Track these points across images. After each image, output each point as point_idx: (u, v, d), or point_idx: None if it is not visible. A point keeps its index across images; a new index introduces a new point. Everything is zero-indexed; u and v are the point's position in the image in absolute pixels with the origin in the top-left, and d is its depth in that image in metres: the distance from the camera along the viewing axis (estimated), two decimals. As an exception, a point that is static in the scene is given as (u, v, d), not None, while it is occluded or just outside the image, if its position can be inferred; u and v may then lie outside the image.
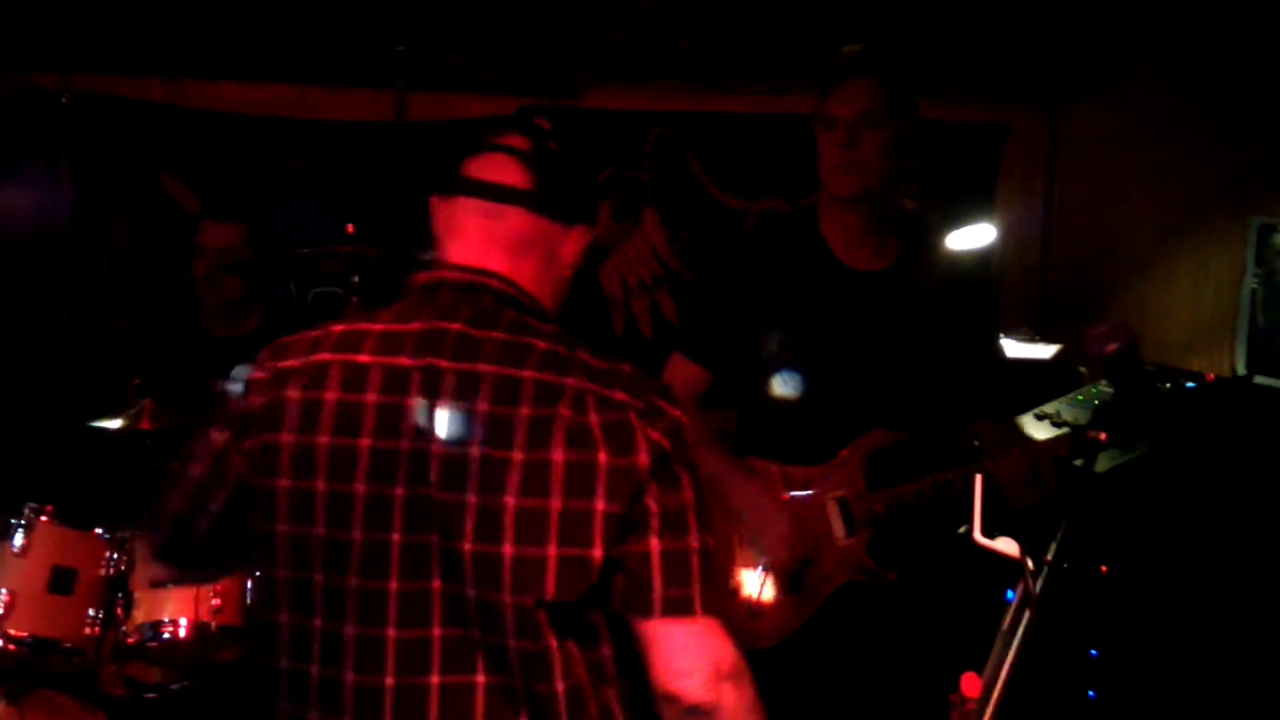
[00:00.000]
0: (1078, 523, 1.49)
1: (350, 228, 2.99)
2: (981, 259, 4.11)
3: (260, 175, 4.35)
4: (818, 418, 2.43)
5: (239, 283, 3.42)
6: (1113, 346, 1.61)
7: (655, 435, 1.45)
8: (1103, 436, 1.60)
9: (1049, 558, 1.50)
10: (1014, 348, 4.37)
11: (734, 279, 2.51)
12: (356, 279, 2.96)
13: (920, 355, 2.44)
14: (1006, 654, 1.38)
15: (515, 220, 1.61)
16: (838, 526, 2.40)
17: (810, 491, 2.43)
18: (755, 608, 2.44)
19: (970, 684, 1.35)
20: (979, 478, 1.59)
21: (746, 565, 2.46)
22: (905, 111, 2.39)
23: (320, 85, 4.36)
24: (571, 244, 1.65)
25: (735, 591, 2.45)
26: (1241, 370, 3.88)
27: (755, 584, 2.43)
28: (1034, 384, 4.08)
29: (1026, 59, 4.39)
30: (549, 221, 1.62)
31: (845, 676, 2.47)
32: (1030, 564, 1.41)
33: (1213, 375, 3.76)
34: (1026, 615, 1.42)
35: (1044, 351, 4.30)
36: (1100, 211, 4.58)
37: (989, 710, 1.33)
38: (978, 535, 1.40)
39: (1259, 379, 3.77)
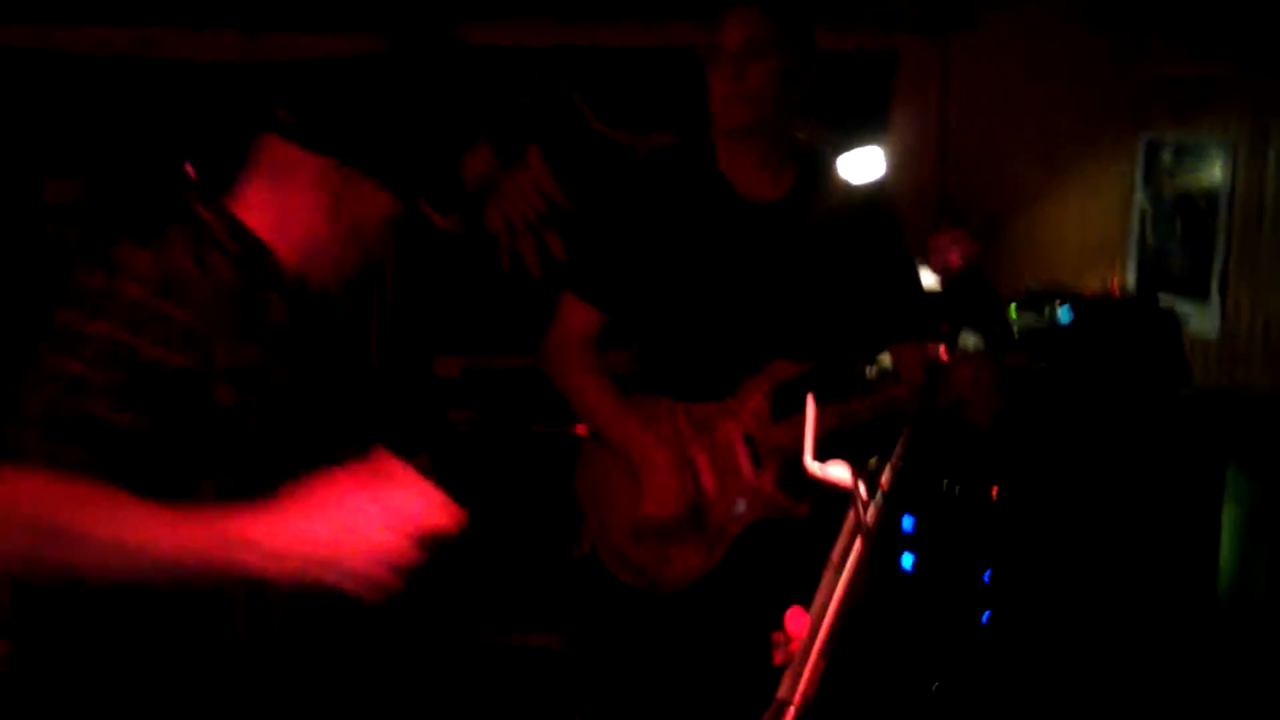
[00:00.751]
0: (917, 447, 1.39)
1: (189, 169, 2.82)
2: (880, 185, 4.02)
3: (105, 124, 4.12)
4: (720, 353, 2.36)
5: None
6: (954, 258, 1.50)
7: None
8: (943, 355, 1.50)
9: (884, 483, 1.39)
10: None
11: (626, 212, 2.42)
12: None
13: (823, 284, 2.37)
14: (834, 589, 1.27)
15: (272, 149, 1.64)
16: (745, 463, 2.32)
17: (715, 429, 2.34)
18: (662, 551, 2.35)
19: (795, 620, 1.24)
20: (810, 402, 1.47)
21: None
22: (795, 41, 2.33)
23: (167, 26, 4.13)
24: (324, 181, 1.62)
25: (641, 535, 2.35)
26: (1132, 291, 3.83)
27: (660, 528, 2.33)
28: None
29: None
30: (307, 154, 1.62)
31: (753, 617, 2.39)
32: (863, 492, 1.29)
33: (1114, 287, 3.72)
34: (857, 545, 1.31)
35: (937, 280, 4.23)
36: (994, 138, 4.51)
37: (815, 648, 1.22)
38: (809, 463, 1.29)
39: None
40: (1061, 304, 3.64)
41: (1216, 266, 3.52)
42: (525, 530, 3.79)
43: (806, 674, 1.15)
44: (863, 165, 4.11)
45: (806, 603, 2.31)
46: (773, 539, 2.32)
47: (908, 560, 3.70)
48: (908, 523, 3.75)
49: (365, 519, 1.29)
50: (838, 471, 1.29)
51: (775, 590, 2.44)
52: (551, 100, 4.44)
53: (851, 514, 1.33)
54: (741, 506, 2.31)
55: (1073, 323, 3.52)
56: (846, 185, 2.56)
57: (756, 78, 2.26)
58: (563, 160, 4.49)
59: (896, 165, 4.39)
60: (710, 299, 2.36)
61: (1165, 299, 3.65)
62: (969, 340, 3.26)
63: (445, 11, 4.29)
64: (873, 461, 1.82)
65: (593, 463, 2.45)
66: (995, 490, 3.34)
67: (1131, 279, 3.85)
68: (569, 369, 2.45)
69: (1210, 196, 3.55)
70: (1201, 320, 3.54)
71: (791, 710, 1.13)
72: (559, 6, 4.26)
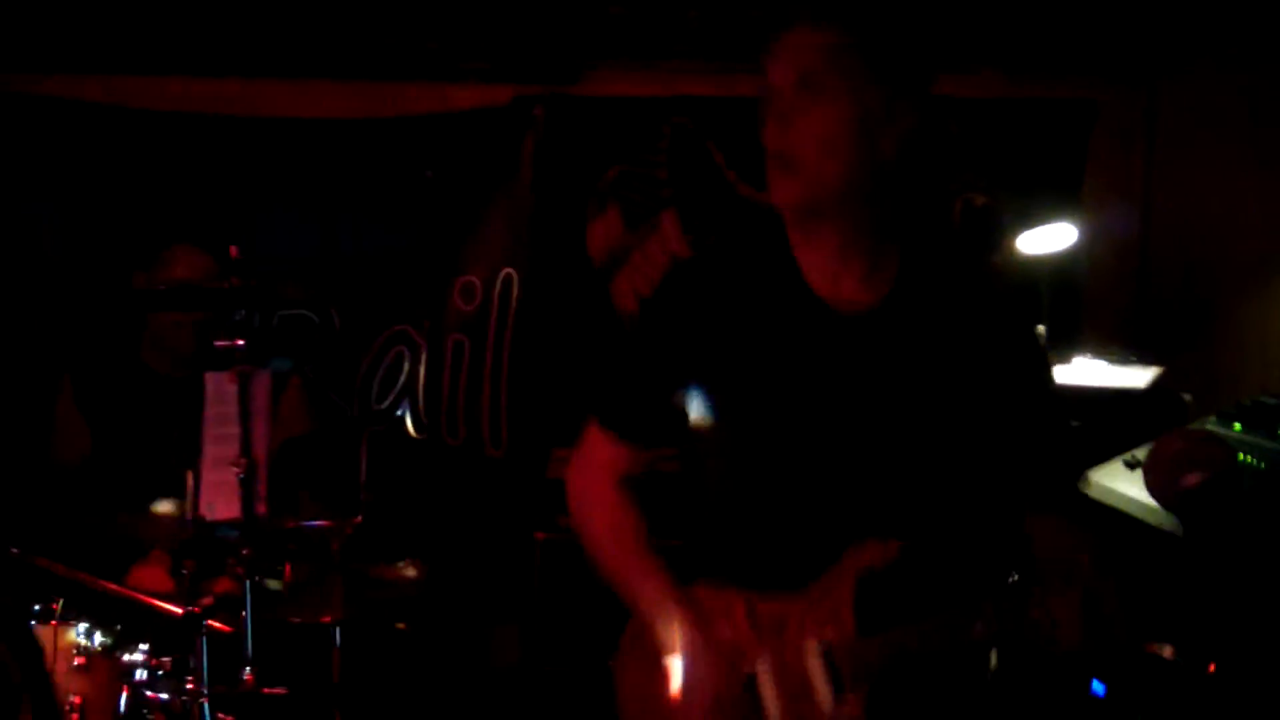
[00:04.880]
0: None
1: (234, 251, 2.42)
2: (1021, 270, 3.38)
3: (228, 186, 3.81)
4: (791, 521, 1.72)
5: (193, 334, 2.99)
6: (1193, 478, 0.94)
7: None
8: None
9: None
10: (1103, 372, 3.62)
11: (670, 315, 1.76)
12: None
13: (932, 423, 1.71)
14: None
15: None
16: (821, 685, 1.67)
17: (785, 634, 1.71)
18: None
19: None
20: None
21: None
22: (888, 68, 1.63)
23: (278, 79, 3.80)
24: None
25: None
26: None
27: None
28: (1125, 418, 3.33)
29: (1116, 20, 3.65)
30: None
31: None
32: None
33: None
34: None
35: (1139, 377, 3.54)
36: (1209, 205, 3.80)
37: None
38: None
39: None
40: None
41: None
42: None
43: None
44: (1049, 243, 3.47)
45: None
46: None
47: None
48: (1098, 688, 3.09)
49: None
50: None
51: None
52: (686, 157, 3.95)
53: None
54: None
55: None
56: (976, 274, 1.83)
57: (808, 128, 1.60)
58: (700, 226, 3.99)
59: (1090, 236, 3.72)
60: (777, 443, 1.70)
61: None
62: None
63: (568, 58, 3.86)
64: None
65: (642, 652, 1.85)
66: (1213, 665, 2.66)
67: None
68: (591, 514, 1.83)
69: None
70: None
71: None
72: (693, 49, 3.77)
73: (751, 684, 1.70)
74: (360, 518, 2.63)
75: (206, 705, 2.37)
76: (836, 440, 1.70)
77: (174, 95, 3.77)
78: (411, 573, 2.97)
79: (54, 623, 2.44)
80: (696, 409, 1.74)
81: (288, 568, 2.64)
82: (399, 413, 3.91)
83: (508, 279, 3.92)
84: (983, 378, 1.72)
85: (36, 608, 2.45)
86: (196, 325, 3.04)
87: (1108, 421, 3.39)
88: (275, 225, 3.83)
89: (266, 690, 2.44)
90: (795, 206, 1.66)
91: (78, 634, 2.44)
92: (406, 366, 3.91)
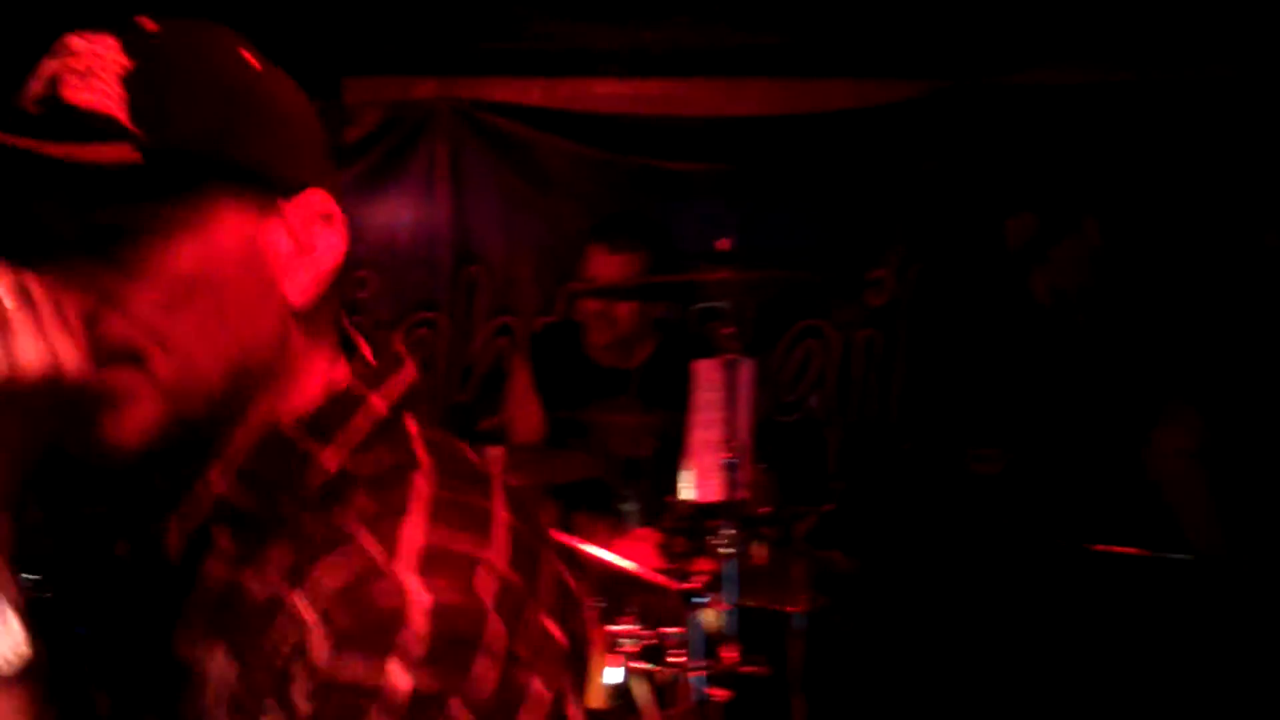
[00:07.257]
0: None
1: (726, 243, 2.51)
2: None
3: (644, 185, 3.96)
4: None
5: (632, 315, 3.11)
6: None
7: None
8: None
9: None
10: None
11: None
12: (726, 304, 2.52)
13: None
14: None
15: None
16: None
17: None
18: None
19: None
20: None
21: None
22: None
23: (699, 78, 3.92)
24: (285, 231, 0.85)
25: None
26: None
27: None
28: None
29: None
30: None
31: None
32: None
33: None
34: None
35: None
36: None
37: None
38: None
39: None
40: None
41: None
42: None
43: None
44: None
45: None
46: None
47: None
48: None
49: None
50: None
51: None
52: (1108, 150, 3.82)
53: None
54: None
55: None
56: None
57: None
58: (1125, 231, 3.84)
59: None
60: None
61: None
62: None
63: (984, 51, 3.80)
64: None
65: None
66: None
67: None
68: (1184, 485, 1.88)
69: None
70: None
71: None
72: (1107, 40, 3.63)
73: None
74: (833, 505, 2.67)
75: (700, 679, 2.45)
76: None
77: (601, 97, 3.95)
78: (847, 562, 3.01)
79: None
80: None
81: (759, 550, 2.70)
82: (808, 405, 3.96)
83: (919, 273, 3.90)
84: None
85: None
86: (607, 318, 3.17)
87: None
88: (692, 219, 3.94)
89: (746, 669, 2.51)
90: None
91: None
92: (817, 360, 3.95)
